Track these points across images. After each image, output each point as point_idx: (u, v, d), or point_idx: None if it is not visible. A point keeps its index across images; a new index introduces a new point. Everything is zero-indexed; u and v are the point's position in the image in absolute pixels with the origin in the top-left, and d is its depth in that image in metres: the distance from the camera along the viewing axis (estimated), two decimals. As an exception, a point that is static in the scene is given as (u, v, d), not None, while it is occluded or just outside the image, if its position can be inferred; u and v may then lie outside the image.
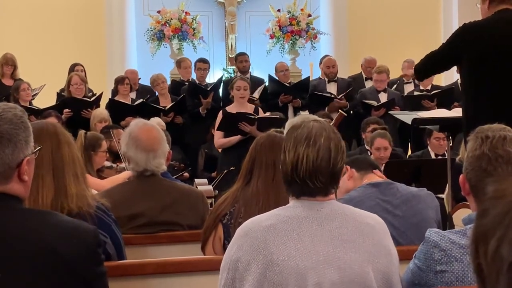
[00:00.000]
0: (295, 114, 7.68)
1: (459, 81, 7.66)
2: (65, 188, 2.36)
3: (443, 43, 4.07)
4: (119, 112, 7.04)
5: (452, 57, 3.96)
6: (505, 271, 0.89)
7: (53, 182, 2.35)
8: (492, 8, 3.86)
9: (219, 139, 6.42)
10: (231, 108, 6.42)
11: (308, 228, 1.87)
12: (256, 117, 6.22)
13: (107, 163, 4.86)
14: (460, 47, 3.88)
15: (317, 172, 1.88)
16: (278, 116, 6.55)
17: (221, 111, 6.51)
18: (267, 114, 6.70)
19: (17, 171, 1.76)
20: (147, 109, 7.19)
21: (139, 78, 8.55)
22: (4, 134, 1.73)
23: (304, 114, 6.70)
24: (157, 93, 7.92)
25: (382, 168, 4.30)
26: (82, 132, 4.57)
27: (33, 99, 7.46)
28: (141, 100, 7.39)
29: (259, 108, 6.58)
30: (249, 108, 6.46)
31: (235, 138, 6.26)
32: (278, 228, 1.86)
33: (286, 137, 1.98)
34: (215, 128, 6.51)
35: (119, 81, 7.57)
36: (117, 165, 4.81)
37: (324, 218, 1.89)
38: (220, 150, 6.71)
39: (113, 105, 7.19)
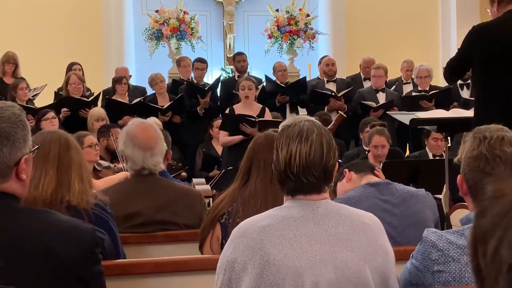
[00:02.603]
0: (292, 113, 7.68)
1: (458, 82, 7.71)
2: (69, 183, 2.43)
3: (458, 49, 4.14)
4: (117, 111, 7.03)
5: (467, 61, 4.03)
6: (505, 272, 0.88)
7: (56, 176, 2.43)
8: (501, 9, 3.90)
9: (224, 137, 6.50)
10: (238, 107, 6.47)
11: (304, 227, 1.87)
12: (256, 119, 6.23)
13: (105, 163, 4.85)
14: (471, 50, 3.93)
15: (310, 167, 1.88)
16: (280, 120, 6.56)
17: (227, 110, 6.55)
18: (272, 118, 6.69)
19: (15, 170, 1.76)
20: (144, 108, 7.19)
21: (130, 76, 8.55)
22: (2, 133, 1.73)
23: (300, 115, 6.69)
24: (151, 92, 7.91)
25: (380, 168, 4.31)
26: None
27: (34, 98, 7.44)
28: (139, 99, 7.38)
29: (266, 109, 6.59)
30: (256, 108, 6.49)
31: (238, 138, 6.31)
32: (274, 228, 1.86)
33: (278, 136, 1.98)
34: (219, 127, 6.57)
35: (116, 80, 7.56)
36: (115, 165, 4.80)
37: (320, 218, 1.89)
38: (222, 149, 6.75)
39: (110, 104, 7.17)
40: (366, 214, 1.99)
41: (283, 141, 1.93)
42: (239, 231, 1.91)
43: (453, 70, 4.19)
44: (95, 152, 4.63)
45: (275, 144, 1.96)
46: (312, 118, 2.04)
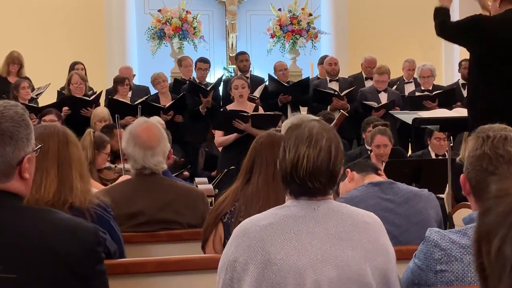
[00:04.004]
0: (294, 113, 7.67)
1: (460, 82, 7.70)
2: (71, 183, 2.41)
3: (458, 21, 4.16)
4: (119, 112, 7.00)
5: (463, 37, 4.03)
6: (508, 270, 0.89)
7: (57, 176, 2.40)
8: (503, 7, 3.90)
9: (219, 137, 6.47)
10: (231, 107, 6.45)
11: (305, 226, 1.87)
12: (249, 114, 6.23)
13: (106, 164, 4.87)
14: (469, 33, 3.93)
15: (316, 173, 1.88)
16: (272, 113, 6.58)
17: (221, 110, 6.54)
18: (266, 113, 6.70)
19: (18, 169, 1.76)
20: (147, 108, 7.18)
21: (134, 75, 8.56)
22: (5, 132, 1.73)
23: (302, 114, 6.70)
24: (153, 92, 7.91)
25: (382, 168, 4.31)
26: (90, 130, 4.65)
27: (38, 98, 7.45)
28: (142, 99, 7.36)
29: (260, 107, 6.59)
30: (249, 107, 6.46)
31: (232, 136, 6.30)
32: (275, 228, 1.87)
33: (286, 135, 1.97)
34: (212, 127, 6.57)
35: (119, 81, 7.52)
36: (115, 166, 4.82)
37: (321, 217, 1.90)
38: (220, 148, 6.74)
39: (112, 104, 7.16)
40: (367, 213, 1.99)
41: (292, 142, 1.91)
42: (240, 230, 1.91)
43: (451, 32, 4.20)
44: (107, 159, 4.70)
45: (283, 143, 1.94)
46: (319, 119, 2.03)
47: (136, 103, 7.24)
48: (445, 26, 4.20)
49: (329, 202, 1.94)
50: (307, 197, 1.92)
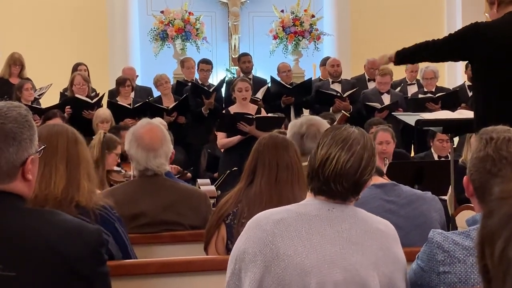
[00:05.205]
0: (297, 115, 7.67)
1: (466, 83, 7.69)
2: (78, 182, 2.41)
3: (451, 34, 4.09)
4: (119, 114, 7.01)
5: (459, 48, 3.97)
6: (512, 272, 0.89)
7: (65, 172, 2.40)
8: (501, 11, 3.88)
9: (221, 139, 6.46)
10: (234, 109, 6.44)
11: (317, 226, 1.88)
12: (254, 116, 6.23)
13: (116, 167, 4.87)
14: (469, 41, 3.90)
15: (342, 177, 1.88)
16: (276, 115, 6.57)
17: (223, 111, 6.54)
18: (270, 115, 6.70)
19: (21, 170, 1.77)
20: (149, 109, 7.18)
21: (137, 76, 8.56)
22: (9, 133, 1.73)
23: (306, 115, 6.70)
24: (156, 93, 7.91)
25: (385, 170, 4.30)
26: (101, 131, 4.69)
27: (40, 98, 7.46)
28: (145, 100, 7.36)
29: (262, 109, 6.59)
30: (252, 109, 6.46)
31: (236, 138, 6.29)
32: (287, 223, 1.88)
33: (324, 133, 1.98)
34: (216, 128, 6.55)
35: (120, 83, 7.52)
36: (126, 171, 4.82)
37: (334, 219, 1.90)
38: (222, 150, 6.74)
39: (112, 107, 7.15)
40: (382, 221, 1.99)
41: (327, 141, 1.92)
42: (253, 222, 1.93)
43: (441, 55, 4.14)
44: (117, 160, 4.72)
45: (319, 141, 1.96)
46: (360, 128, 2.01)
47: (137, 105, 7.25)
48: (433, 49, 4.12)
49: (346, 206, 1.95)
50: (326, 198, 1.93)
